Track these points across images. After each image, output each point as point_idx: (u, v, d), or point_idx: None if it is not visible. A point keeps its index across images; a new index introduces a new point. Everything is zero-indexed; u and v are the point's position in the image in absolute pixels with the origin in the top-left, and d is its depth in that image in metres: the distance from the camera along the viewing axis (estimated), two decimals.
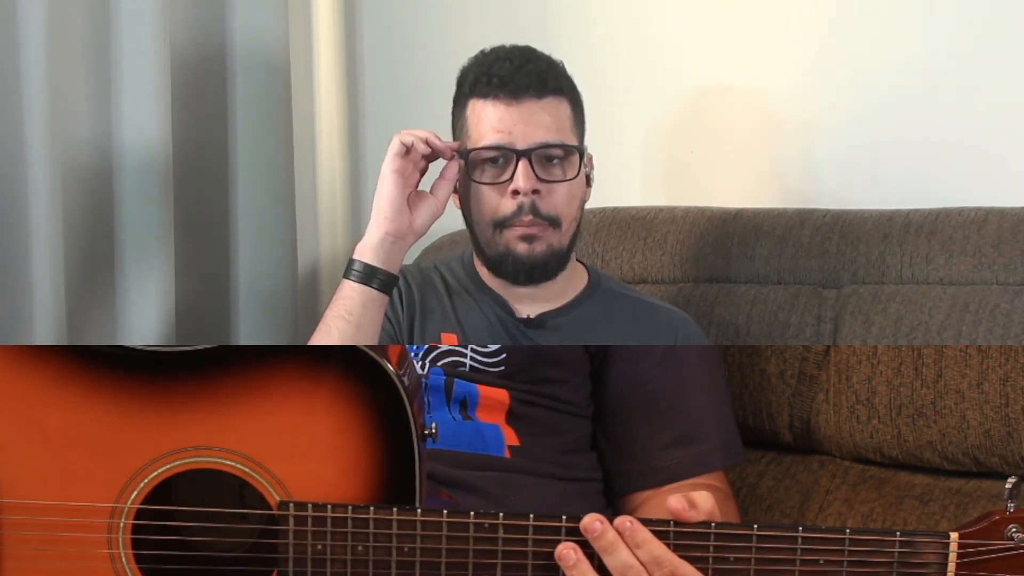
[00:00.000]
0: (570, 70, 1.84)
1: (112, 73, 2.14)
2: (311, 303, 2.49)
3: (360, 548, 1.35)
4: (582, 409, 1.75)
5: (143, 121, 2.14)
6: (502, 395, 1.69)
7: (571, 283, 1.88)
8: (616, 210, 2.22)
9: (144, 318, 2.16)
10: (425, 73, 2.50)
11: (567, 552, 1.36)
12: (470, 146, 1.80)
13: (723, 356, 1.88)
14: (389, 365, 1.35)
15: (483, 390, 1.69)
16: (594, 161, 1.88)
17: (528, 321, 1.84)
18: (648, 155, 2.39)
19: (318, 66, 2.51)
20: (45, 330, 2.03)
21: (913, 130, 2.16)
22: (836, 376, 1.91)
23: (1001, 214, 1.96)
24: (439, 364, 1.70)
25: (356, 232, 2.61)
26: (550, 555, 1.36)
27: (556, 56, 1.84)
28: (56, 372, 1.35)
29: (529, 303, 1.85)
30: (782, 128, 2.26)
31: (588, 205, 2.23)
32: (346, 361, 1.35)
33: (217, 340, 2.32)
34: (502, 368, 1.70)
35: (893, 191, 2.13)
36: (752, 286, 2.07)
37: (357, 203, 2.62)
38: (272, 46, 2.32)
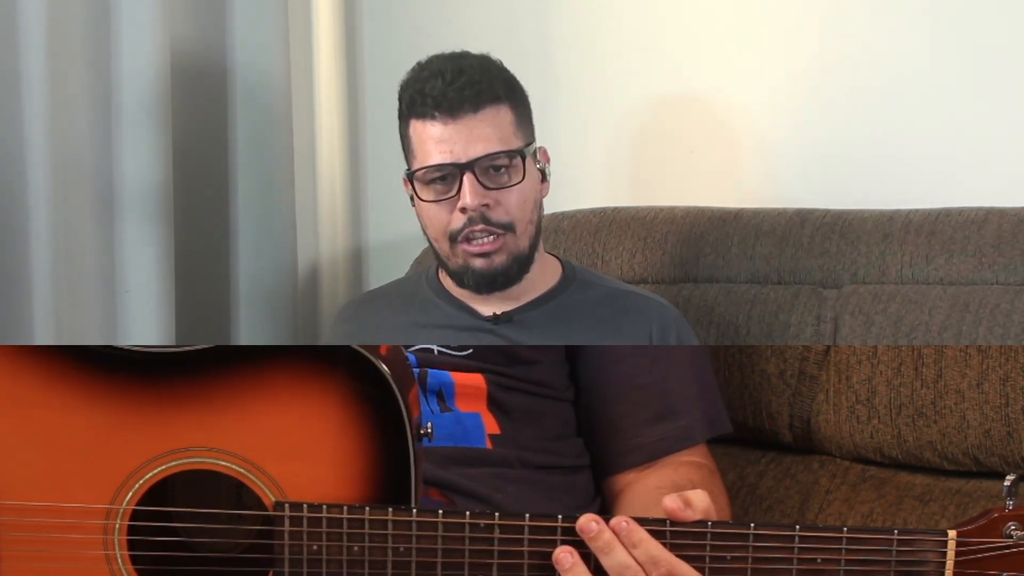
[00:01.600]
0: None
1: (112, 73, 2.14)
2: (311, 303, 2.49)
3: (356, 548, 1.35)
4: (562, 392, 1.74)
5: (143, 121, 2.14)
6: (477, 380, 1.68)
7: (540, 279, 1.87)
8: (616, 210, 2.21)
9: (144, 318, 2.16)
10: None
11: (563, 556, 1.36)
12: (416, 166, 1.80)
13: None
14: (384, 366, 1.35)
15: (457, 377, 1.68)
16: (560, 156, 1.86)
17: (495, 318, 1.84)
18: (646, 156, 2.39)
19: (318, 67, 2.51)
20: (44, 330, 2.03)
21: (913, 130, 2.15)
22: (836, 376, 1.90)
23: (1001, 214, 1.95)
24: (409, 351, 1.68)
25: (356, 232, 2.61)
26: (546, 555, 1.36)
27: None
28: (52, 372, 1.35)
29: (498, 302, 1.85)
30: (782, 128, 2.25)
31: (590, 204, 2.23)
32: (342, 361, 1.35)
33: (217, 340, 2.32)
34: (470, 351, 1.69)
35: (893, 191, 2.13)
36: (752, 286, 2.07)
37: (357, 203, 2.61)
38: (272, 46, 2.32)
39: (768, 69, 2.26)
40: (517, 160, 1.79)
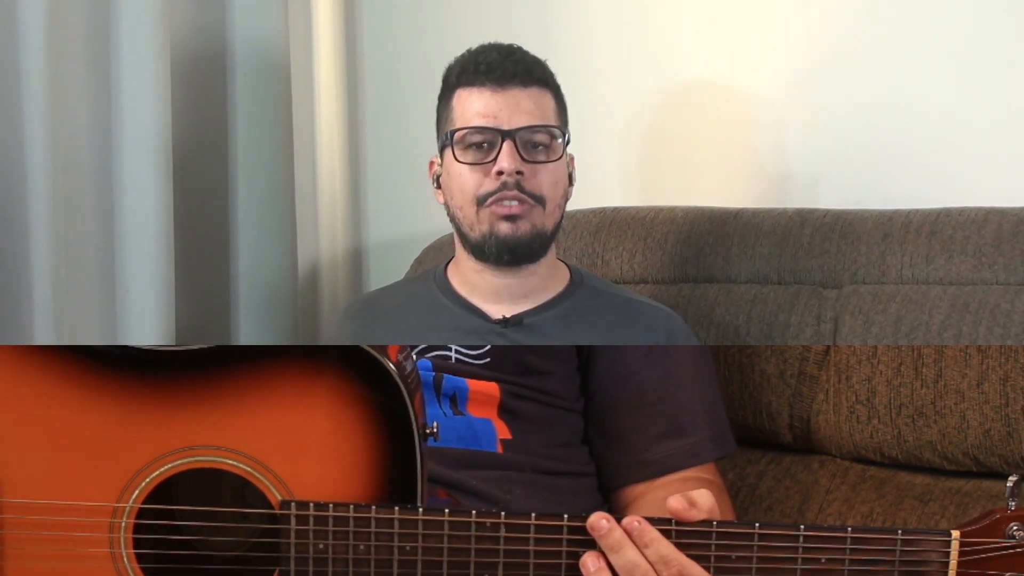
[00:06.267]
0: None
1: (112, 73, 2.14)
2: (311, 303, 2.49)
3: (362, 547, 1.35)
4: (572, 403, 1.75)
5: (143, 121, 2.14)
6: (492, 388, 1.69)
7: (551, 282, 1.86)
8: (616, 210, 2.22)
9: (144, 318, 2.15)
10: (425, 73, 2.48)
11: (590, 560, 1.36)
12: (457, 126, 1.81)
13: (710, 349, 1.88)
14: (391, 364, 1.35)
15: (472, 384, 1.69)
16: (589, 162, 1.87)
17: (505, 321, 1.83)
18: (647, 156, 2.39)
19: (318, 66, 2.51)
20: (45, 330, 2.03)
21: (913, 130, 2.16)
22: (836, 376, 1.91)
23: (1001, 214, 1.95)
24: (426, 356, 1.70)
25: (356, 232, 2.61)
26: (552, 554, 1.36)
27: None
28: (58, 371, 1.35)
29: (508, 303, 1.84)
30: (782, 127, 2.26)
31: (590, 204, 2.23)
32: (348, 360, 1.35)
33: (217, 340, 2.32)
34: (487, 360, 1.70)
35: (893, 191, 2.13)
36: (752, 286, 2.07)
37: (357, 203, 2.62)
38: (272, 45, 2.32)
39: (768, 71, 2.26)
40: (558, 141, 1.82)
